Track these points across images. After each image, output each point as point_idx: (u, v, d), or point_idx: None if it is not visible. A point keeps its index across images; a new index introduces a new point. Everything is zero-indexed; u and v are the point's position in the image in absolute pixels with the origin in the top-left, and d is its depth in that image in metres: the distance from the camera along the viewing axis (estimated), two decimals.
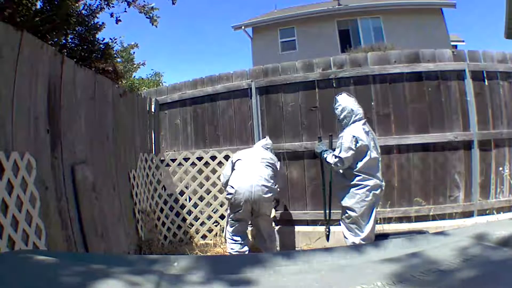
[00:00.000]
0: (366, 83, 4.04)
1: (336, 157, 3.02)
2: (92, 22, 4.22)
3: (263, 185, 3.24)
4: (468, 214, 3.87)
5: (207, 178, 4.25)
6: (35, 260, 0.97)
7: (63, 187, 2.38)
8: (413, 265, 0.87)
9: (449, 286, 0.78)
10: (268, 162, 3.42)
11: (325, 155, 3.17)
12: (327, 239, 3.53)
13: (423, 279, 0.79)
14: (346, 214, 3.05)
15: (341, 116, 3.13)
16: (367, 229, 2.97)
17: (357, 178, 2.98)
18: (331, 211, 3.49)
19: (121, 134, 3.49)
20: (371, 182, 2.97)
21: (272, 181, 3.32)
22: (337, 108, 3.18)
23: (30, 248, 1.87)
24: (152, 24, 4.43)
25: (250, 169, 3.35)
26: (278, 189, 3.44)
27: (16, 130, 1.96)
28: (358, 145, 2.95)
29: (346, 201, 3.02)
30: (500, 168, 3.89)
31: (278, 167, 3.50)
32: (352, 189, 3.00)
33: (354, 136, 2.96)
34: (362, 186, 2.97)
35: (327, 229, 3.53)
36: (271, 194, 3.28)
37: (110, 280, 0.80)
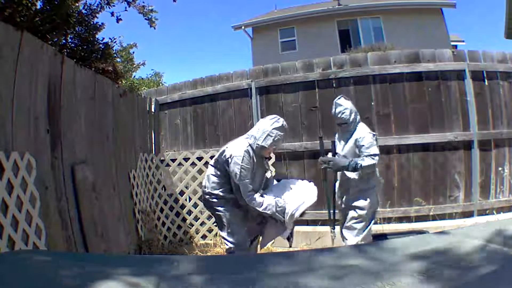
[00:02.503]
0: (366, 83, 4.04)
1: (374, 155, 2.79)
2: (92, 22, 4.21)
3: (203, 198, 2.83)
4: (468, 214, 3.87)
5: None
6: (35, 260, 0.97)
7: (63, 187, 2.38)
8: (414, 265, 0.87)
9: (465, 283, 0.78)
10: (215, 158, 2.78)
11: (359, 162, 2.78)
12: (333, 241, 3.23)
13: (425, 279, 0.79)
14: (356, 215, 2.93)
15: (351, 119, 2.93)
16: (368, 228, 2.95)
17: (371, 178, 2.92)
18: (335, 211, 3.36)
19: (121, 134, 3.49)
20: (377, 182, 2.99)
21: (207, 183, 2.74)
22: (344, 112, 2.92)
23: (30, 248, 1.87)
24: (151, 26, 4.42)
25: None
26: (216, 198, 2.69)
27: (16, 130, 1.96)
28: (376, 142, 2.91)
29: (361, 202, 2.91)
30: (500, 168, 3.89)
31: (229, 167, 2.61)
32: (367, 189, 2.92)
33: (373, 134, 2.90)
34: (373, 185, 2.94)
35: (332, 229, 3.24)
36: (206, 201, 2.79)
37: (110, 281, 0.80)
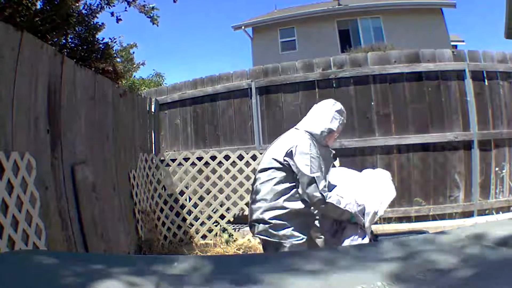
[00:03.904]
0: (366, 83, 4.05)
1: None
2: (92, 22, 4.21)
3: (257, 219, 2.05)
4: (468, 214, 3.87)
5: (207, 178, 4.24)
6: (35, 260, 0.97)
7: (63, 187, 2.38)
8: (413, 265, 0.87)
9: (449, 286, 0.78)
10: (267, 158, 2.10)
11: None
12: None
13: (423, 279, 0.79)
14: None
15: None
16: None
17: None
18: None
19: (121, 134, 3.49)
20: None
21: (259, 196, 2.05)
22: None
23: (30, 248, 1.87)
24: (153, 24, 4.43)
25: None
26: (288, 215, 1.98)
27: (16, 130, 1.95)
28: None
29: None
30: (497, 169, 3.89)
31: (293, 161, 1.99)
32: None
33: None
34: None
35: None
36: (270, 236, 2.00)
37: (110, 281, 0.80)
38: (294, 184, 2.01)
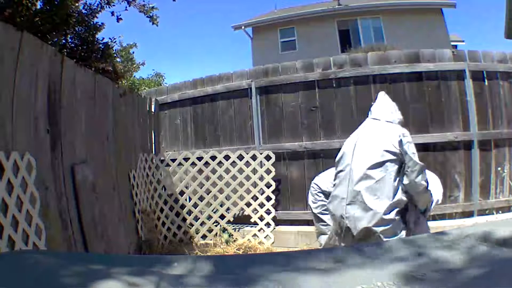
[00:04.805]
0: (366, 83, 4.04)
1: None
2: (92, 22, 4.21)
3: (377, 222, 1.90)
4: (468, 214, 3.87)
5: (207, 178, 4.24)
6: (35, 260, 0.97)
7: (63, 187, 2.38)
8: (414, 265, 0.87)
9: (452, 286, 0.78)
10: (382, 157, 1.96)
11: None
12: None
13: (424, 279, 0.79)
14: None
15: None
16: None
17: None
18: None
19: (121, 134, 3.49)
20: None
21: (392, 200, 1.92)
22: None
23: (30, 248, 1.86)
24: (153, 23, 4.44)
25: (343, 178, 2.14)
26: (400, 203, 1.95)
27: (16, 130, 1.95)
28: None
29: None
30: (499, 168, 3.89)
31: (403, 149, 1.94)
32: None
33: None
34: None
35: None
36: (391, 235, 1.89)
37: (110, 281, 0.80)
38: (399, 178, 1.95)
